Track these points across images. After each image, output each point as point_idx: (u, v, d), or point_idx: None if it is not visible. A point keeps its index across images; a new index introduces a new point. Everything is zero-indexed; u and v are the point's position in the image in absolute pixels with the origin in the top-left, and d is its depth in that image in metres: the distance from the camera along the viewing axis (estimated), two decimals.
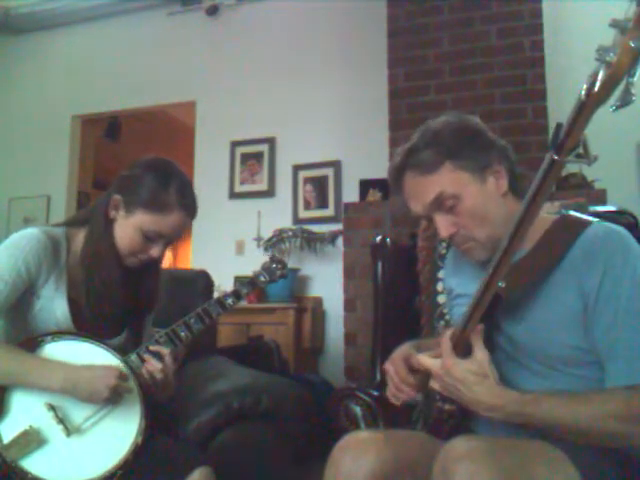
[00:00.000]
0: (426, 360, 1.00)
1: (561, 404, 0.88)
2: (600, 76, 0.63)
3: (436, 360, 0.97)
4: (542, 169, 0.75)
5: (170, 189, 1.25)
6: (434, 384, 0.99)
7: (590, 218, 1.00)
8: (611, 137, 2.96)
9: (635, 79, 0.62)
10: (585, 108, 0.66)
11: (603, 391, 0.90)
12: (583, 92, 0.65)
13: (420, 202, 1.04)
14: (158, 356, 1.25)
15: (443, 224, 1.02)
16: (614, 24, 0.61)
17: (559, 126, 0.71)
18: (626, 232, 0.96)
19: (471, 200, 1.00)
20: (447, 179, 1.00)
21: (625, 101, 0.63)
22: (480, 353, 0.92)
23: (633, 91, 0.62)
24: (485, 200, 1.01)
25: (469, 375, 0.91)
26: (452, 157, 1.01)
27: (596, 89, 0.63)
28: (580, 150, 0.71)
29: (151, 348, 1.26)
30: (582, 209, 1.56)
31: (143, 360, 1.25)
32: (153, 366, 1.24)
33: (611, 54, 0.61)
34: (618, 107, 0.64)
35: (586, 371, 0.95)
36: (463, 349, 0.94)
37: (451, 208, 1.01)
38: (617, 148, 2.99)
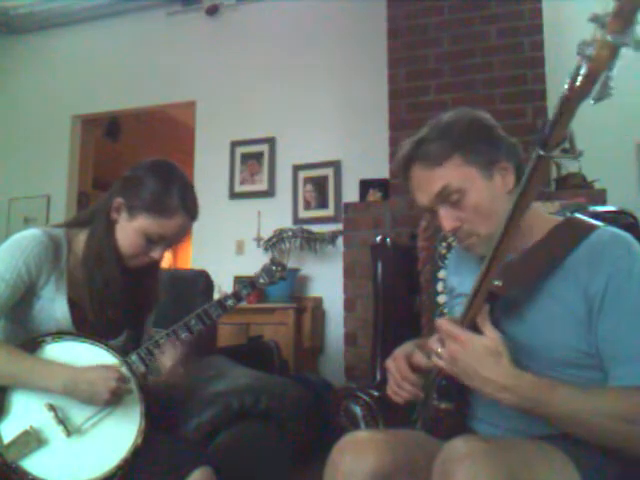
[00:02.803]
0: (443, 330, 0.93)
1: (577, 395, 0.86)
2: (581, 70, 0.64)
3: (449, 336, 0.91)
4: (530, 165, 0.76)
5: (172, 192, 1.25)
6: (440, 362, 0.93)
7: (596, 222, 0.99)
8: (611, 137, 2.96)
9: (614, 73, 0.63)
10: (568, 102, 0.67)
11: (616, 388, 0.89)
12: (566, 86, 0.66)
13: (425, 194, 1.04)
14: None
15: (447, 218, 1.02)
16: (594, 19, 0.62)
17: (544, 122, 0.72)
18: (631, 237, 0.96)
19: (476, 195, 1.00)
20: (454, 172, 1.00)
21: (603, 95, 0.63)
22: (489, 331, 0.89)
23: (612, 84, 0.63)
24: (491, 196, 1.01)
25: (483, 352, 0.87)
26: (461, 151, 1.01)
27: (578, 83, 0.64)
28: (566, 145, 0.72)
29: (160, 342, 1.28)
30: (582, 209, 1.56)
31: (143, 360, 1.25)
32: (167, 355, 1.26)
33: (591, 48, 0.62)
34: (597, 101, 0.64)
35: (586, 374, 0.94)
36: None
37: (456, 202, 1.01)
38: (617, 148, 2.99)
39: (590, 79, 0.63)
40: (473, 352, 0.88)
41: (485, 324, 0.90)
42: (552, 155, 0.73)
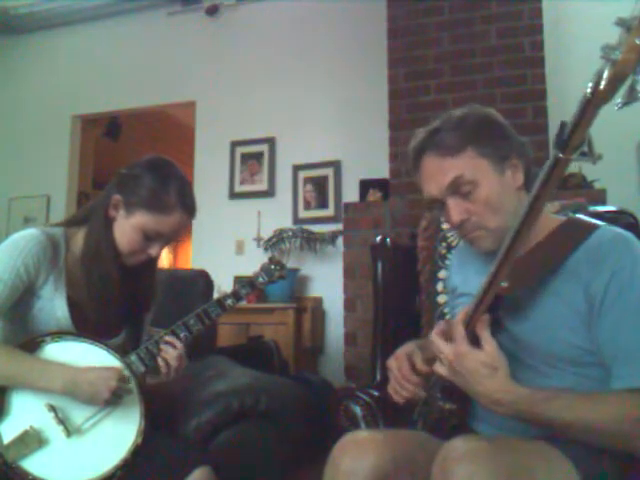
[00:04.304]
0: (439, 343, 0.96)
1: (570, 405, 0.87)
2: (605, 74, 0.63)
3: (448, 345, 0.94)
4: (546, 167, 0.75)
5: (170, 189, 1.25)
6: (440, 369, 0.95)
7: (598, 222, 1.00)
8: (611, 137, 2.95)
9: None
10: (590, 106, 0.66)
11: (610, 393, 0.89)
12: (589, 90, 0.65)
13: (436, 184, 1.03)
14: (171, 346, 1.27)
15: (456, 209, 1.02)
16: (620, 22, 0.61)
17: (564, 124, 0.71)
18: (633, 236, 0.96)
19: (488, 188, 1.00)
20: (467, 164, 1.00)
21: (631, 98, 0.63)
22: (488, 345, 0.90)
23: (639, 88, 0.62)
24: (501, 191, 1.01)
25: (480, 367, 0.89)
26: (475, 143, 1.01)
27: (602, 87, 0.64)
28: (585, 148, 0.71)
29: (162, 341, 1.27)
30: (582, 209, 1.56)
31: (142, 360, 1.25)
32: (169, 354, 1.25)
33: (617, 52, 0.61)
34: (624, 104, 0.64)
35: (589, 371, 0.95)
36: (470, 340, 0.92)
37: (466, 194, 1.00)
38: (617, 148, 2.98)
39: (615, 83, 0.63)
40: (469, 366, 0.90)
41: (484, 335, 0.91)
42: (570, 158, 0.72)
